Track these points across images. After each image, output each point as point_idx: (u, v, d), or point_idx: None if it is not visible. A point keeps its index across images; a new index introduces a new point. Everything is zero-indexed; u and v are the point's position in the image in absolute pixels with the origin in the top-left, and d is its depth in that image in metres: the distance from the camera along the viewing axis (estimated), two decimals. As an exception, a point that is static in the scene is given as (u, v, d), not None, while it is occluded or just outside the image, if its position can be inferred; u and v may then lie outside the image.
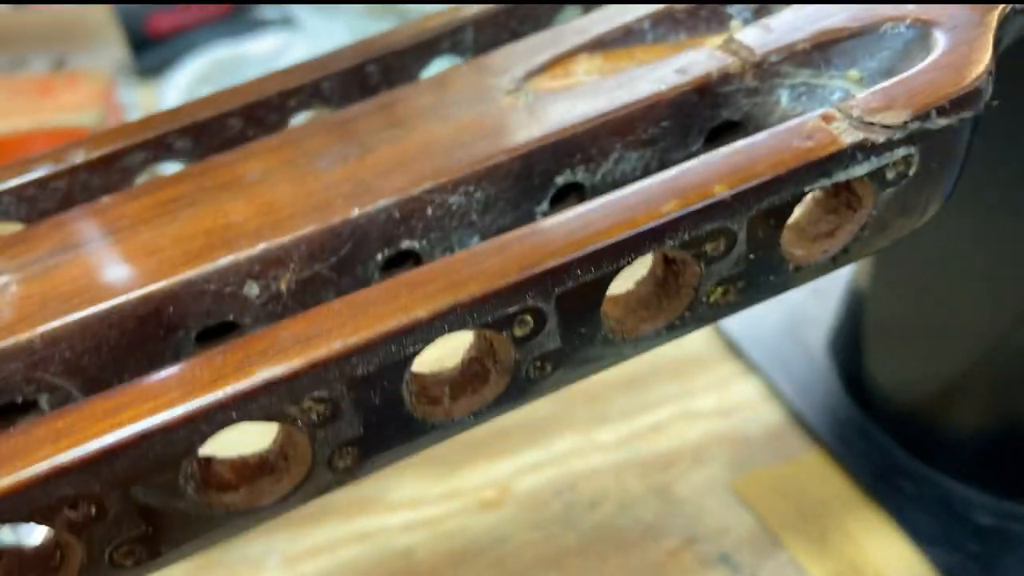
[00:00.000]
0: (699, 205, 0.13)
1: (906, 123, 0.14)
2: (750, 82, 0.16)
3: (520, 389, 0.14)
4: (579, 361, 0.15)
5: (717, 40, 0.17)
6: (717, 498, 0.30)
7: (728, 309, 0.15)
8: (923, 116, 0.14)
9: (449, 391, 0.14)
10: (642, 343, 0.15)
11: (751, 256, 0.14)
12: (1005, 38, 0.16)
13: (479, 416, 0.14)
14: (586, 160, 0.16)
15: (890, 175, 0.15)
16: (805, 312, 0.37)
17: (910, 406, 0.31)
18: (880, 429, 0.32)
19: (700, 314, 0.15)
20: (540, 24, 0.21)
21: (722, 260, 0.14)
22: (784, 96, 0.17)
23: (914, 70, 0.15)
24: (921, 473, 0.30)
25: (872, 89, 0.15)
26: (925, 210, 0.16)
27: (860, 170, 0.14)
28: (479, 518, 0.30)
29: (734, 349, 0.36)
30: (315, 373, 0.12)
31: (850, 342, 0.33)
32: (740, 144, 0.14)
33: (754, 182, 0.13)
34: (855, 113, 0.14)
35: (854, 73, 0.16)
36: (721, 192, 0.13)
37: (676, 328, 0.15)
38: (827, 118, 0.14)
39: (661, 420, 0.33)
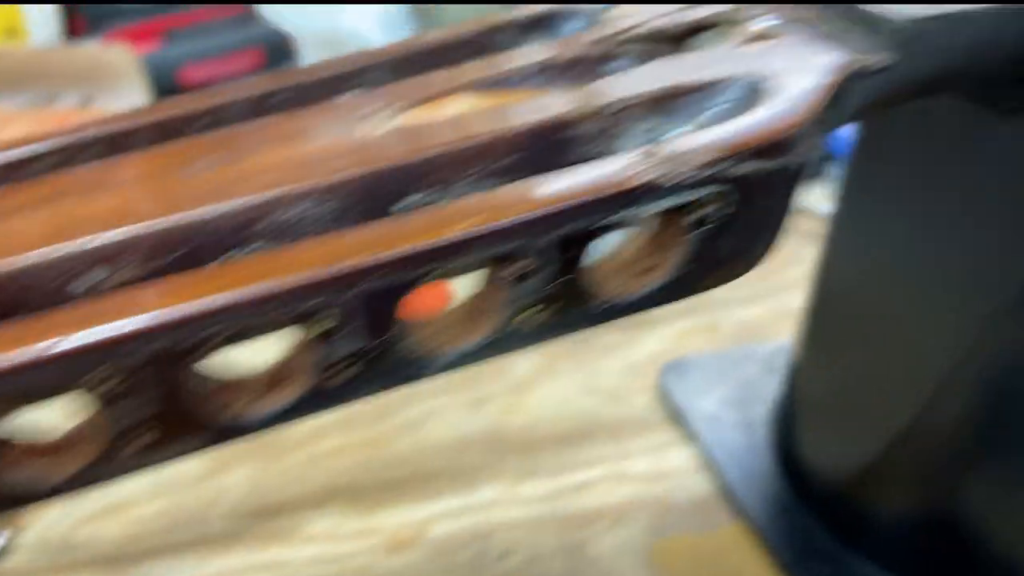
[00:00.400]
0: (492, 227, 0.14)
1: (710, 164, 0.15)
2: (592, 128, 0.17)
3: (323, 394, 0.15)
4: (385, 372, 0.15)
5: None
6: (630, 561, 0.30)
7: (543, 333, 0.16)
8: (728, 160, 0.15)
9: (248, 390, 0.15)
10: (455, 359, 0.16)
11: (559, 281, 0.15)
12: (852, 96, 0.17)
13: (277, 419, 0.15)
14: (436, 183, 0.17)
15: (699, 215, 0.15)
16: (756, 386, 0.37)
17: (836, 487, 0.30)
18: (807, 509, 0.31)
19: (512, 335, 0.15)
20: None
21: (527, 282, 0.15)
22: (630, 143, 0.17)
23: (738, 119, 0.16)
24: (842, 558, 0.29)
25: (689, 131, 0.15)
26: (749, 255, 0.16)
27: (660, 206, 0.15)
28: (388, 559, 0.30)
29: (678, 416, 0.36)
30: (110, 349, 0.13)
31: (785, 419, 0.33)
32: (553, 175, 0.15)
33: (551, 209, 0.14)
34: (664, 152, 0.15)
35: (692, 126, 0.17)
36: (518, 215, 0.14)
37: (488, 348, 0.16)
38: (637, 156, 0.15)
39: (590, 479, 0.33)
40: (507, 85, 0.19)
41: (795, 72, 0.17)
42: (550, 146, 0.17)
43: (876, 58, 0.17)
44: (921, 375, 0.26)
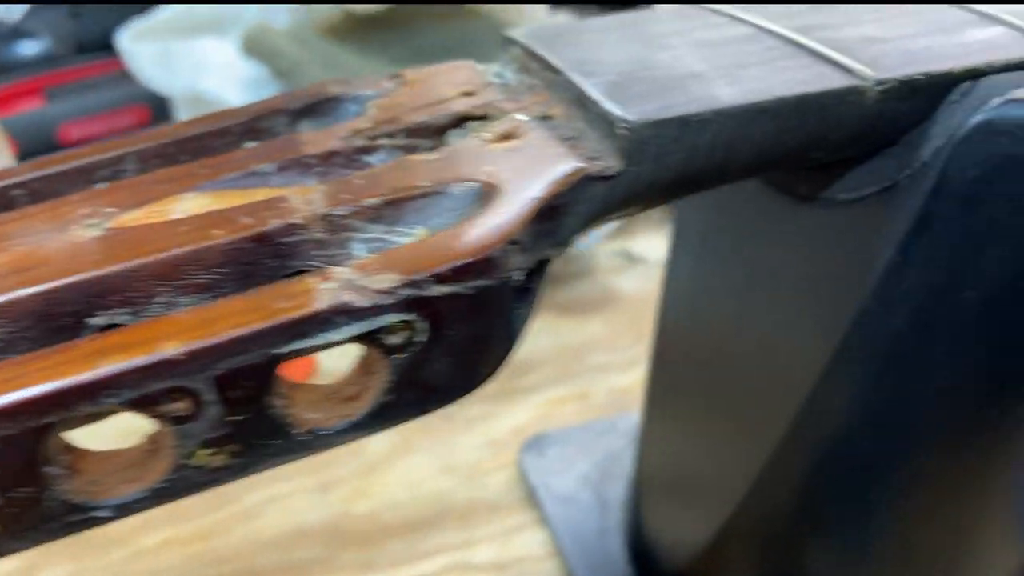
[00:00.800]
0: (137, 362, 0.12)
1: (394, 289, 0.13)
2: (318, 234, 0.16)
3: None
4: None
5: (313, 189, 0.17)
6: (461, 665, 0.28)
7: (229, 473, 0.14)
8: (416, 283, 0.13)
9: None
10: (126, 506, 0.14)
11: (236, 419, 0.13)
12: (581, 204, 0.16)
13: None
14: (126, 302, 0.15)
15: (392, 341, 0.14)
16: (618, 462, 0.36)
17: (678, 572, 0.29)
18: (653, 598, 0.30)
19: (190, 478, 0.14)
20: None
21: (194, 422, 0.13)
22: (358, 250, 0.16)
23: (437, 234, 0.14)
24: (685, 651, 0.28)
25: (383, 250, 0.14)
26: (467, 378, 0.15)
27: (341, 335, 0.13)
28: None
29: (533, 498, 0.34)
30: None
31: (633, 498, 0.32)
32: (222, 300, 0.13)
33: (211, 341, 0.13)
34: (349, 275, 0.13)
35: (422, 231, 0.16)
36: (170, 349, 0.12)
37: (165, 493, 0.14)
38: (323, 277, 0.14)
39: (430, 572, 0.31)
40: (250, 182, 0.18)
41: (520, 180, 0.15)
42: (269, 255, 0.16)
43: (603, 165, 0.16)
44: (752, 447, 0.24)
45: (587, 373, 0.42)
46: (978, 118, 0.17)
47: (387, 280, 0.13)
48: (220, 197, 0.18)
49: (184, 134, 0.20)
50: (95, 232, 0.16)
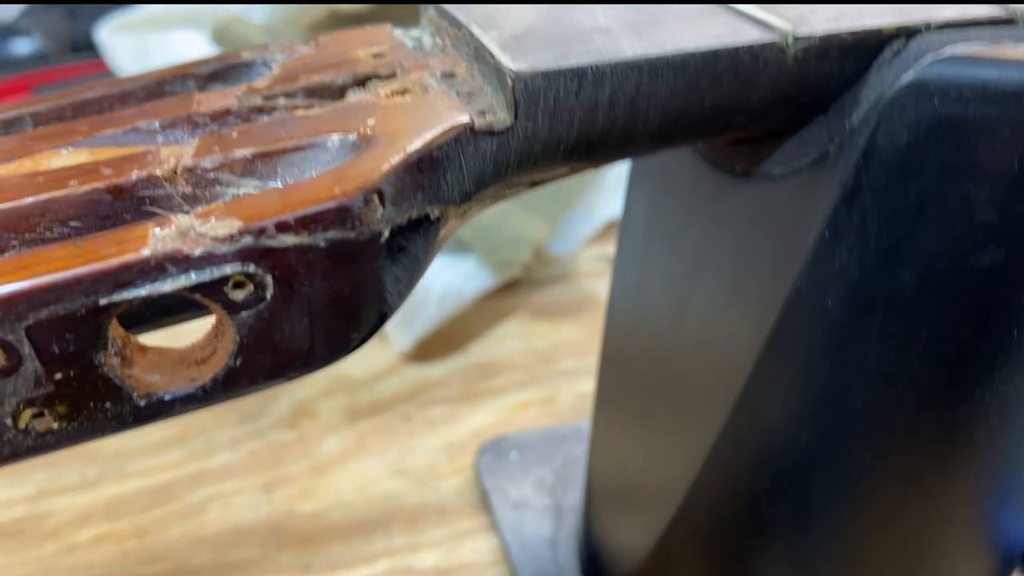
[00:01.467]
0: None
1: (233, 236, 0.12)
2: (184, 188, 0.15)
3: None
4: None
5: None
6: (392, 673, 0.26)
7: (58, 439, 0.13)
8: (258, 231, 0.12)
9: None
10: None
11: (58, 376, 0.12)
12: (461, 159, 0.15)
13: None
14: None
15: (236, 297, 0.13)
16: (576, 468, 0.34)
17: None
18: (600, 608, 0.28)
19: (15, 441, 0.13)
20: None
21: (11, 378, 0.12)
22: (226, 205, 0.15)
23: (295, 183, 0.13)
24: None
25: (238, 196, 0.13)
26: (331, 343, 0.14)
27: (172, 285, 0.12)
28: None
29: (486, 502, 0.33)
30: None
31: (585, 504, 0.30)
32: (49, 246, 0.12)
33: (20, 286, 0.11)
34: (189, 221, 0.12)
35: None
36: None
37: (-12, 455, 0.13)
38: (160, 223, 0.12)
39: None
40: (130, 139, 0.17)
41: (397, 132, 0.14)
42: (128, 209, 0.15)
43: (492, 119, 0.15)
44: (691, 446, 0.23)
45: (555, 377, 0.40)
46: (908, 77, 0.15)
47: (226, 227, 0.12)
48: (95, 153, 0.17)
49: (84, 96, 0.19)
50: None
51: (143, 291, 0.12)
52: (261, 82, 0.18)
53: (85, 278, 0.12)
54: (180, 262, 0.12)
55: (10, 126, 0.19)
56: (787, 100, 0.16)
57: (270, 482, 0.34)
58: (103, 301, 0.12)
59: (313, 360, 0.14)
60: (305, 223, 0.12)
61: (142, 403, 0.13)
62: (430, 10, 0.19)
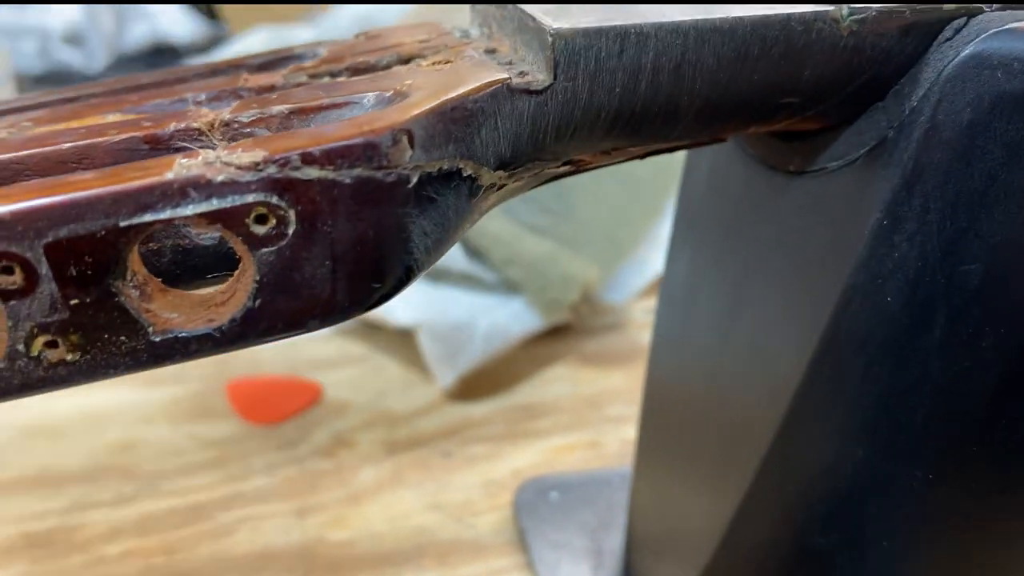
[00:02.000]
0: None
1: (257, 165, 0.12)
2: (219, 139, 0.15)
3: None
4: None
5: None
6: None
7: (71, 372, 0.12)
8: (283, 161, 0.12)
9: None
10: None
11: (73, 302, 0.12)
12: (498, 117, 0.14)
13: None
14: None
15: (258, 230, 0.12)
16: (619, 515, 0.32)
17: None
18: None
19: (27, 372, 0.12)
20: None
21: (27, 299, 0.12)
22: (262, 160, 0.15)
23: (323, 123, 0.13)
24: None
25: (268, 134, 0.13)
26: (352, 292, 0.13)
27: (193, 210, 0.12)
28: None
29: (523, 541, 0.31)
30: None
31: (624, 552, 0.28)
32: (80, 172, 0.12)
33: (41, 201, 0.11)
34: (218, 154, 0.12)
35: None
36: None
37: (6, 383, 0.12)
38: (191, 155, 0.12)
39: (397, 607, 0.28)
40: (176, 107, 0.17)
41: (434, 87, 0.14)
42: (162, 155, 0.15)
43: (530, 78, 0.14)
44: (731, 481, 0.21)
45: (602, 423, 0.39)
46: (968, 51, 0.15)
47: (251, 156, 0.12)
48: (141, 117, 0.17)
49: (141, 80, 0.19)
50: (4, 134, 0.16)
51: (164, 214, 0.12)
52: (308, 63, 0.18)
53: (106, 197, 0.12)
54: (202, 187, 0.12)
55: (71, 102, 0.19)
56: (842, 80, 0.16)
57: (303, 508, 0.33)
58: (123, 223, 0.12)
59: (334, 308, 0.13)
60: (331, 157, 0.12)
61: (157, 339, 0.13)
62: (478, 7, 0.19)
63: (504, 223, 0.43)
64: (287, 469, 0.35)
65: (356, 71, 0.18)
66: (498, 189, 0.16)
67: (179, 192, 0.12)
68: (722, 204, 0.22)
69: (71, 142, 0.14)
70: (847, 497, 0.18)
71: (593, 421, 0.39)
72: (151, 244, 0.15)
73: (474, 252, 0.42)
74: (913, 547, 0.18)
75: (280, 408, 0.39)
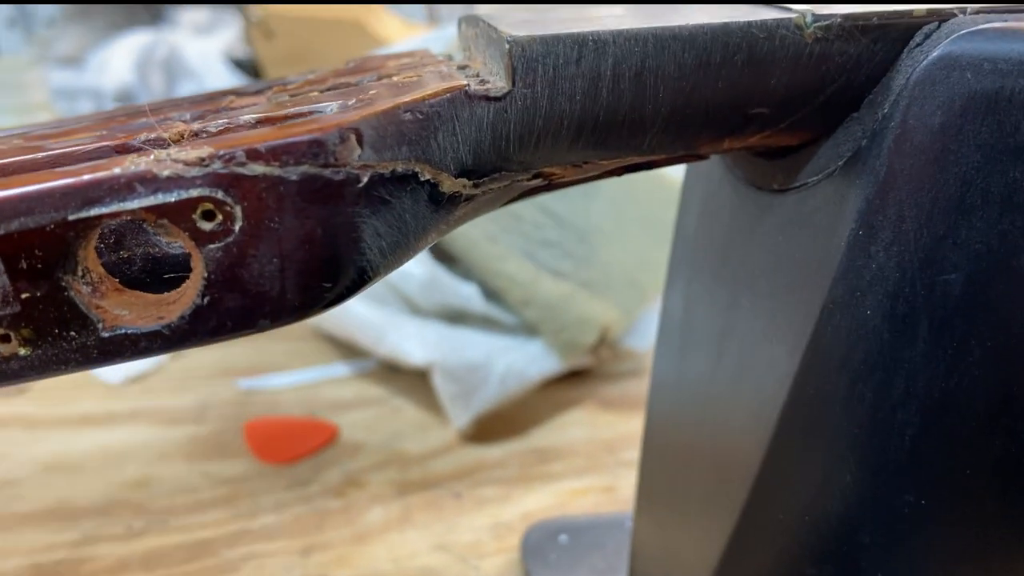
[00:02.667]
0: None
1: (203, 160, 0.12)
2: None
3: None
4: None
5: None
6: None
7: (23, 366, 0.13)
8: (228, 157, 0.12)
9: None
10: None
11: (24, 295, 0.12)
12: (456, 123, 0.14)
13: None
14: None
15: (204, 226, 0.12)
16: (627, 555, 0.31)
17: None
18: None
19: (-20, 364, 0.13)
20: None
21: (-27, 295, 0.12)
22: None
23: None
24: None
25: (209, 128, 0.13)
26: (301, 290, 0.13)
27: (138, 203, 0.12)
28: None
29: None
30: None
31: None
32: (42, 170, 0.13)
33: (-7, 196, 0.12)
34: (169, 151, 0.12)
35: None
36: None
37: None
38: (144, 154, 0.13)
39: (395, 647, 0.28)
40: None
41: (393, 93, 0.14)
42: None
43: (489, 85, 0.15)
44: (724, 512, 0.21)
45: (617, 467, 0.38)
46: (937, 52, 0.14)
47: (197, 152, 0.12)
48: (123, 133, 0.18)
49: (137, 108, 0.20)
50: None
51: (110, 208, 0.12)
52: (292, 85, 0.19)
53: (55, 191, 0.12)
54: (149, 182, 0.12)
55: (64, 124, 0.20)
56: (811, 89, 0.16)
57: (309, 546, 0.32)
58: (71, 217, 0.12)
59: (284, 308, 0.13)
60: (276, 153, 0.12)
61: (107, 335, 0.13)
62: (462, 25, 0.20)
63: (523, 265, 0.43)
64: (296, 508, 0.35)
65: (336, 88, 0.18)
66: (466, 200, 0.16)
67: (125, 186, 0.12)
68: (713, 229, 0.22)
69: (47, 152, 0.15)
70: (837, 526, 0.18)
71: (609, 465, 0.38)
72: (122, 252, 0.16)
73: (491, 294, 0.42)
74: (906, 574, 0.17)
75: (294, 448, 0.39)
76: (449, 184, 0.15)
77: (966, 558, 0.17)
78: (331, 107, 0.15)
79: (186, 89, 0.73)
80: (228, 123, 0.15)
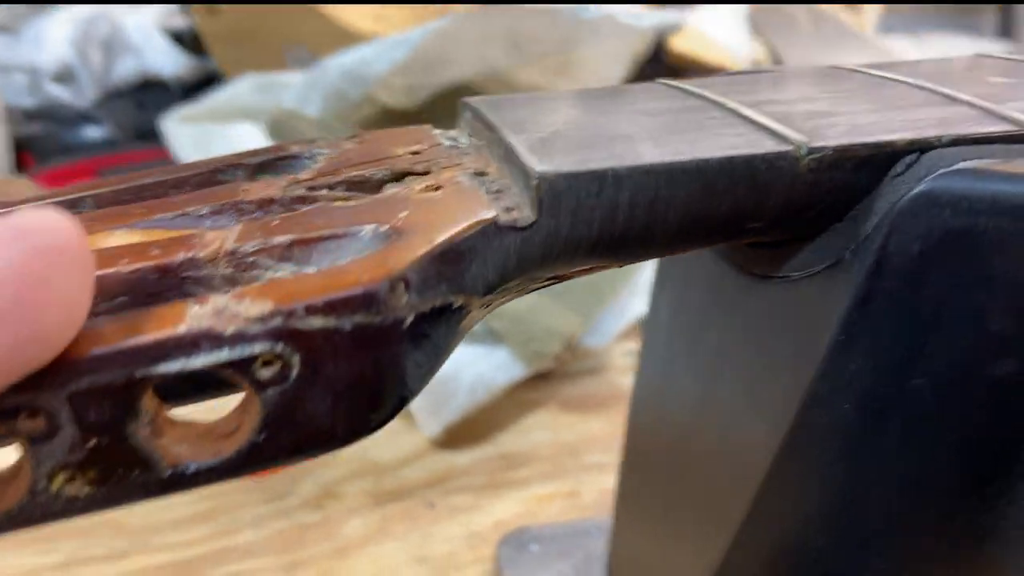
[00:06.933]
0: None
1: (264, 317, 0.13)
2: (224, 269, 0.16)
3: None
4: None
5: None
6: None
7: (88, 503, 0.13)
8: (288, 313, 0.13)
9: None
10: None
11: (94, 444, 0.13)
12: (486, 252, 0.15)
13: None
14: None
15: (263, 375, 0.13)
16: (597, 566, 0.34)
17: None
18: None
19: (47, 504, 0.13)
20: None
21: (49, 442, 0.13)
22: (262, 289, 0.16)
23: (328, 268, 0.14)
24: None
25: (273, 279, 0.14)
26: (351, 424, 0.14)
27: (206, 361, 0.13)
28: None
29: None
30: None
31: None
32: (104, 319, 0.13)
33: (65, 356, 0.12)
34: (225, 301, 0.13)
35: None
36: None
37: (19, 519, 0.13)
38: (199, 302, 0.13)
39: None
40: (180, 223, 0.18)
41: (427, 225, 0.15)
42: (172, 287, 0.16)
43: (516, 215, 0.16)
44: (710, 545, 0.23)
45: (580, 471, 0.40)
46: (919, 189, 0.16)
47: (258, 308, 0.13)
48: (147, 234, 0.18)
49: (142, 182, 0.20)
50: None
51: (177, 365, 0.13)
52: (305, 174, 0.19)
53: (124, 352, 0.13)
54: (213, 339, 0.13)
55: (73, 207, 0.20)
56: (802, 207, 0.17)
57: (292, 563, 0.34)
58: (139, 374, 0.13)
59: (334, 439, 0.14)
60: (333, 307, 0.13)
61: (168, 473, 0.14)
62: (467, 112, 0.20)
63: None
64: (276, 522, 0.36)
65: (351, 185, 0.19)
66: (485, 306, 0.17)
67: (191, 344, 0.13)
68: (693, 293, 0.23)
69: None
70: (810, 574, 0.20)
71: (572, 470, 0.40)
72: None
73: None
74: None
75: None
76: (476, 303, 0.16)
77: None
78: (364, 231, 0.16)
79: (127, 67, 0.70)
80: (263, 244, 0.16)
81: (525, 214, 0.16)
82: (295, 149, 0.21)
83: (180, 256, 0.16)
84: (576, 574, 0.33)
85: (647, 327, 0.26)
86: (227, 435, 0.14)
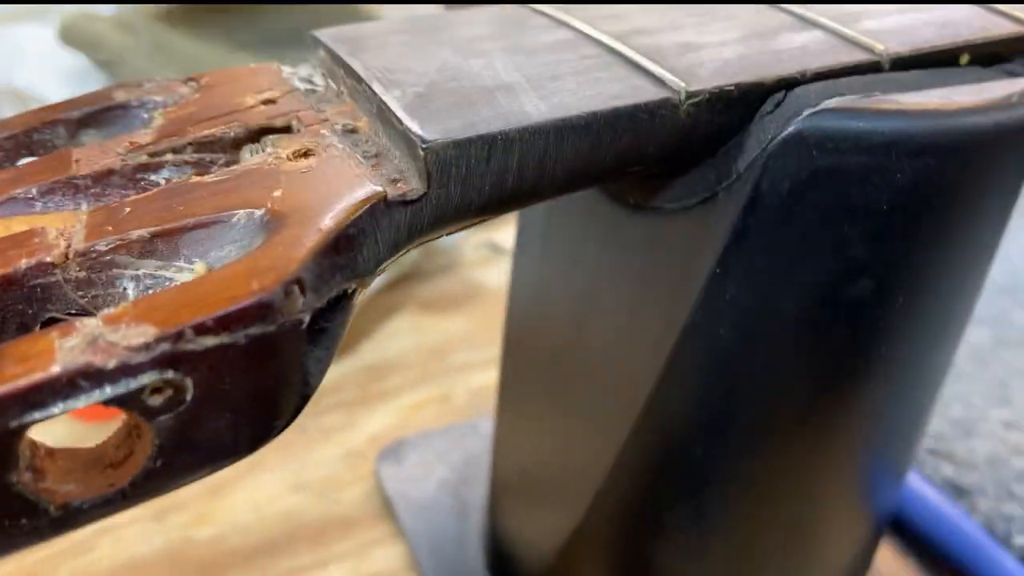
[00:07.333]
0: None
1: (148, 345, 0.12)
2: (77, 273, 0.14)
3: None
4: None
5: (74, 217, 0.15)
6: None
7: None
8: (174, 336, 0.12)
9: None
10: None
11: (-36, 500, 0.12)
12: (377, 232, 0.14)
13: None
14: None
15: (154, 403, 0.12)
16: (478, 465, 0.35)
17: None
18: (510, 608, 0.29)
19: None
20: None
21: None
22: (130, 288, 0.14)
23: (208, 274, 0.13)
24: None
25: (155, 289, 0.13)
26: (255, 433, 0.13)
27: (88, 400, 0.12)
28: None
29: (390, 509, 0.33)
30: None
31: (490, 502, 0.31)
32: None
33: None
34: (97, 328, 0.12)
35: (201, 266, 0.14)
36: None
37: None
38: (66, 332, 0.12)
39: (279, 598, 0.30)
40: (9, 211, 0.16)
41: (310, 207, 0.14)
42: (21, 300, 0.14)
43: (406, 188, 0.15)
44: (598, 449, 0.24)
45: (449, 373, 0.41)
46: (788, 131, 0.16)
47: (139, 335, 0.12)
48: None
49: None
50: None
51: (56, 409, 0.11)
52: (144, 136, 0.17)
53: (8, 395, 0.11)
54: (92, 377, 0.11)
55: None
56: (681, 150, 0.17)
57: (161, 510, 0.32)
58: (13, 424, 0.11)
59: (237, 452, 0.14)
60: (225, 323, 0.12)
61: (58, 514, 0.12)
62: (319, 50, 0.19)
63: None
64: (138, 469, 0.34)
65: (201, 147, 0.17)
66: (376, 275, 0.16)
67: (68, 385, 0.11)
68: (566, 216, 0.23)
69: None
70: (690, 483, 0.21)
71: (440, 373, 0.41)
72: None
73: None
74: (742, 519, 0.22)
75: (117, 400, 0.37)
76: (370, 280, 0.15)
77: (786, 500, 0.21)
78: (236, 217, 0.14)
79: None
80: (120, 240, 0.14)
81: (413, 186, 0.15)
82: (121, 96, 0.18)
83: (23, 264, 0.14)
84: (458, 477, 0.34)
85: (521, 224, 0.26)
86: (118, 464, 0.13)
